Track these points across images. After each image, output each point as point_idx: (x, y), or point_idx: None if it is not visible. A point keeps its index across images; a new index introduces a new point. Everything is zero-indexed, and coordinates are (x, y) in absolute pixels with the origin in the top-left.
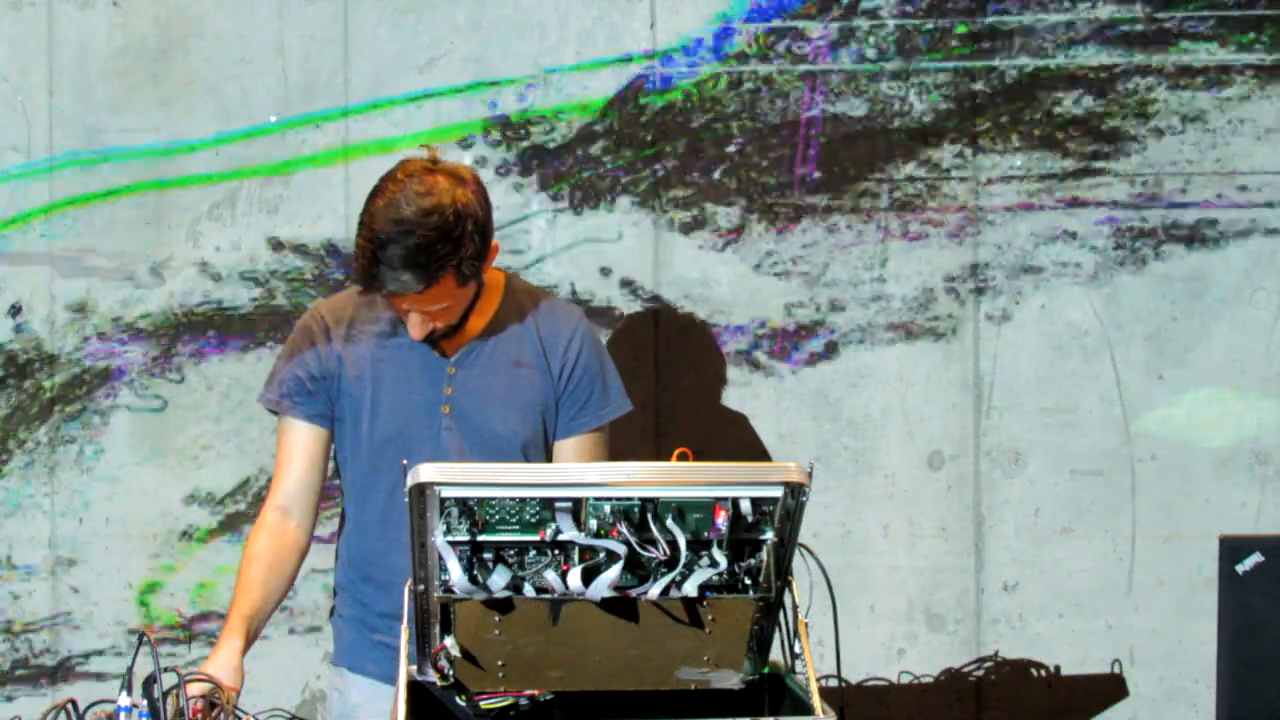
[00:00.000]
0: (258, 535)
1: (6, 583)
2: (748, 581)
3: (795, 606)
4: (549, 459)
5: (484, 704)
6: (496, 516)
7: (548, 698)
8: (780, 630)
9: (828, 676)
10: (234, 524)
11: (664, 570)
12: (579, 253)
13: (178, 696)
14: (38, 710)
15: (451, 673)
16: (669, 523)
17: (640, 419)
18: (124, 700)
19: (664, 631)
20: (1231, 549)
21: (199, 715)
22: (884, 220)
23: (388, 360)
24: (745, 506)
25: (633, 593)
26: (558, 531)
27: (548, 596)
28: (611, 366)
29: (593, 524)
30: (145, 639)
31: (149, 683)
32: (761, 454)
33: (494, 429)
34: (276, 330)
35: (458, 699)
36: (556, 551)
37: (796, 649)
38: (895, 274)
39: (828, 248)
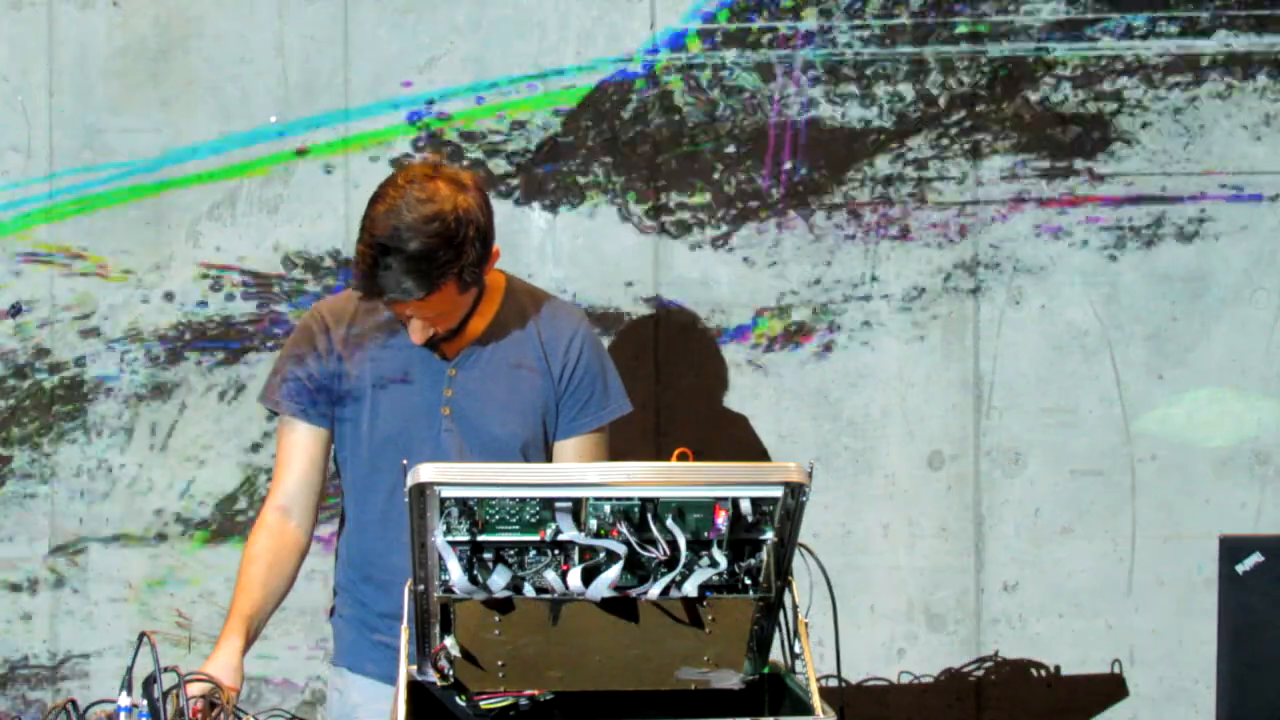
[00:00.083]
0: (258, 535)
1: (6, 582)
2: (748, 581)
3: (795, 606)
4: (549, 460)
5: (484, 704)
6: (496, 516)
7: (548, 698)
8: (780, 630)
9: (828, 676)
10: (234, 524)
11: (664, 570)
12: (579, 253)
13: (178, 696)
14: (38, 710)
15: (451, 673)
16: (669, 523)
17: (640, 419)
18: (124, 700)
19: (664, 631)
20: (1231, 549)
21: (199, 715)
22: (884, 220)
23: (388, 361)
24: (745, 506)
25: (633, 593)
26: (558, 531)
27: (548, 596)
28: (612, 367)
29: (593, 524)
30: (145, 639)
31: (149, 683)
32: (761, 454)
33: (494, 430)
34: (277, 330)
35: (458, 699)
36: (556, 551)
37: (796, 649)
38: (895, 273)
39: (828, 247)
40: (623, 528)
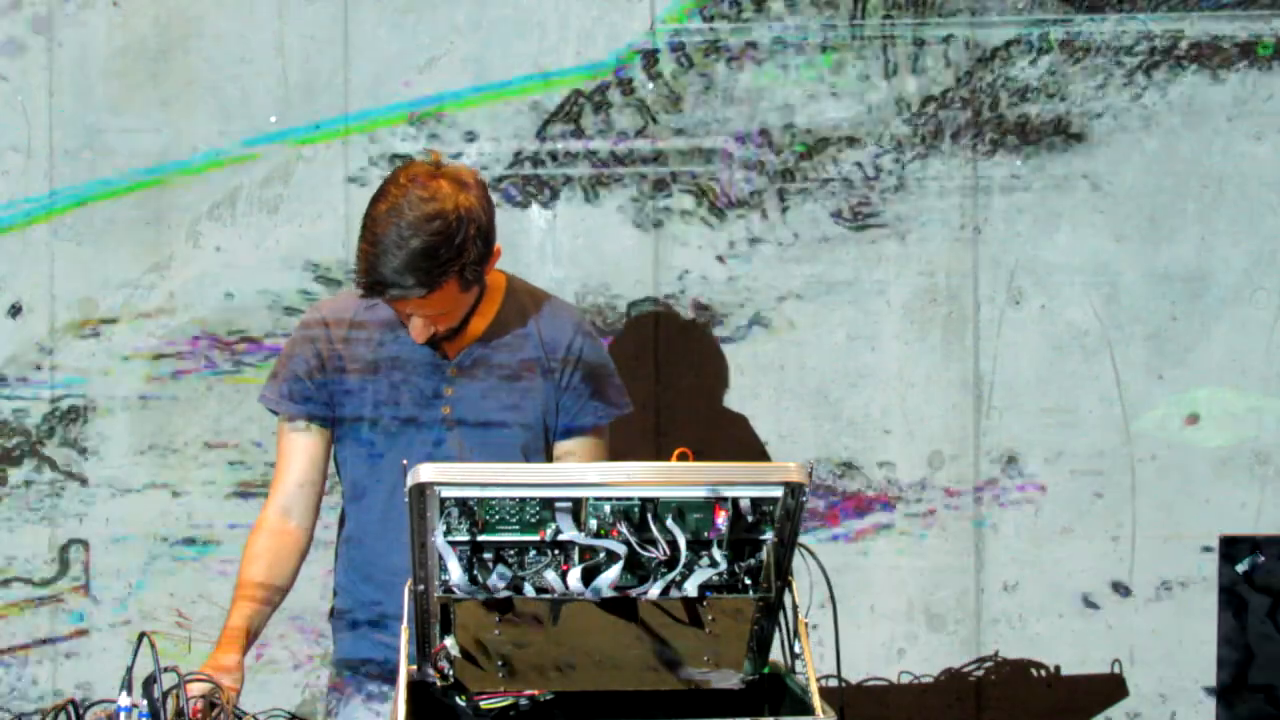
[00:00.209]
0: (258, 535)
1: (6, 582)
2: (748, 581)
3: (795, 606)
4: (549, 460)
5: (484, 704)
6: (496, 516)
7: (548, 698)
8: (780, 630)
9: (828, 676)
10: (234, 524)
11: (664, 570)
12: (579, 253)
13: (178, 696)
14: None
15: (451, 673)
16: (669, 523)
17: (640, 419)
18: (124, 700)
19: (664, 631)
20: (1231, 549)
21: (199, 715)
22: (884, 219)
23: (388, 360)
24: (745, 506)
25: (633, 593)
26: (558, 531)
27: (548, 596)
28: (612, 367)
29: (593, 524)
30: (145, 639)
31: (149, 683)
32: (761, 454)
33: (494, 430)
34: (277, 329)
35: (458, 699)
36: (556, 551)
37: (796, 649)
38: (895, 273)
39: (828, 247)
40: (623, 528)
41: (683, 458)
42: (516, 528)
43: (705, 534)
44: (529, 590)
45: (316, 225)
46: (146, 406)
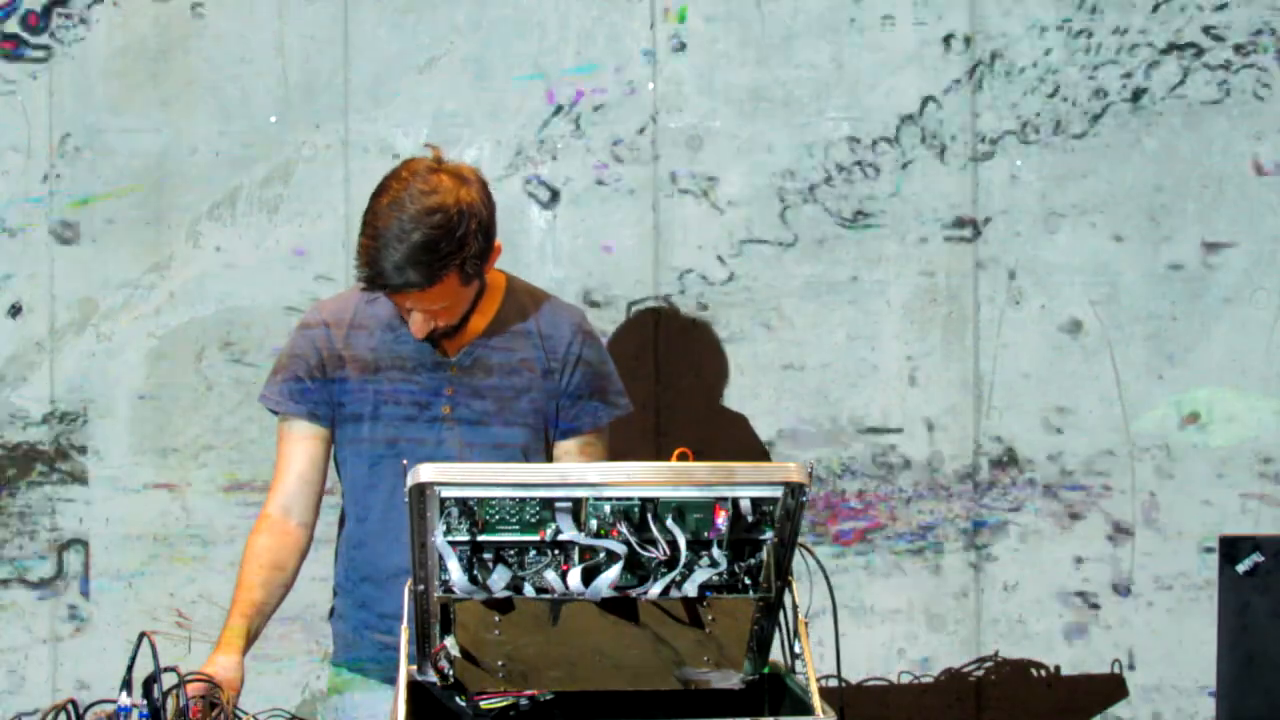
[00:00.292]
0: (258, 534)
1: (6, 581)
2: (748, 581)
3: (795, 606)
4: (549, 459)
5: (484, 704)
6: (496, 516)
7: (548, 698)
8: (780, 630)
9: (828, 676)
10: (234, 524)
11: (664, 570)
12: (579, 253)
13: (178, 696)
14: (37, 710)
15: (451, 673)
16: (669, 523)
17: (640, 419)
18: (124, 700)
19: (664, 631)
20: (1231, 549)
21: (199, 715)
22: (884, 219)
23: (389, 360)
24: (745, 506)
25: (633, 593)
26: (558, 531)
27: (548, 596)
28: (612, 367)
29: (593, 524)
30: (145, 639)
31: (149, 683)
32: (761, 454)
33: (494, 429)
34: (277, 329)
35: (458, 699)
36: (556, 551)
37: (796, 649)
38: (895, 273)
39: (828, 247)
40: (623, 528)
41: (683, 458)
42: (516, 528)
43: (705, 534)
44: (529, 590)
45: (316, 225)
46: (146, 406)
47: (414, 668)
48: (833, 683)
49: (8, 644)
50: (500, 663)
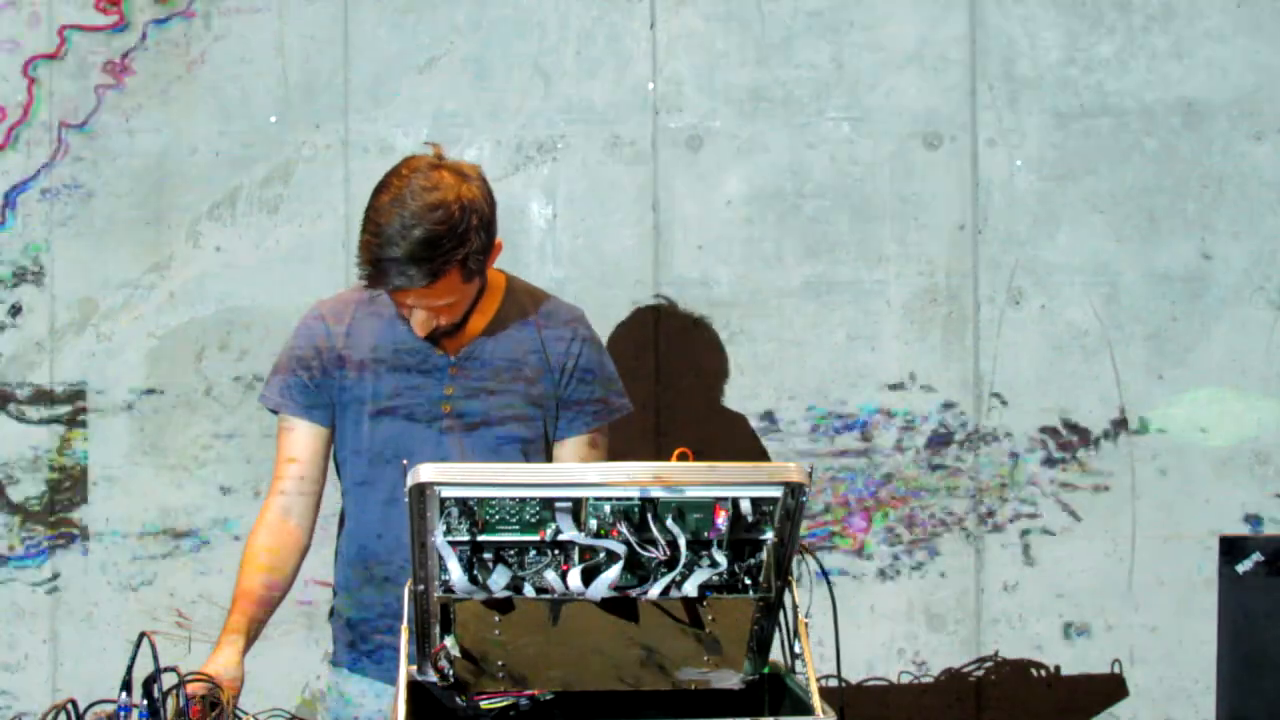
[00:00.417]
0: (258, 534)
1: (6, 581)
2: (748, 581)
3: (795, 606)
4: (549, 459)
5: (484, 704)
6: (496, 516)
7: (548, 698)
8: (780, 630)
9: (828, 676)
10: (234, 524)
11: (664, 570)
12: (579, 253)
13: (178, 696)
14: (37, 710)
15: (451, 673)
16: (669, 523)
17: (640, 419)
18: (124, 700)
19: (664, 631)
20: (1231, 549)
21: (199, 715)
22: (884, 219)
23: (388, 359)
24: (745, 506)
25: (633, 593)
26: (558, 531)
27: (548, 596)
28: (612, 367)
29: (593, 524)
30: (145, 639)
31: (149, 683)
32: (761, 454)
33: (494, 429)
34: (277, 329)
35: (458, 699)
36: (556, 551)
37: (796, 649)
38: (896, 273)
39: (828, 247)
40: (623, 528)
41: (683, 458)
42: (516, 528)
43: (705, 534)
44: (529, 590)
45: (316, 225)
46: (146, 406)
47: (414, 668)
48: (833, 683)
49: (8, 644)
50: (500, 663)
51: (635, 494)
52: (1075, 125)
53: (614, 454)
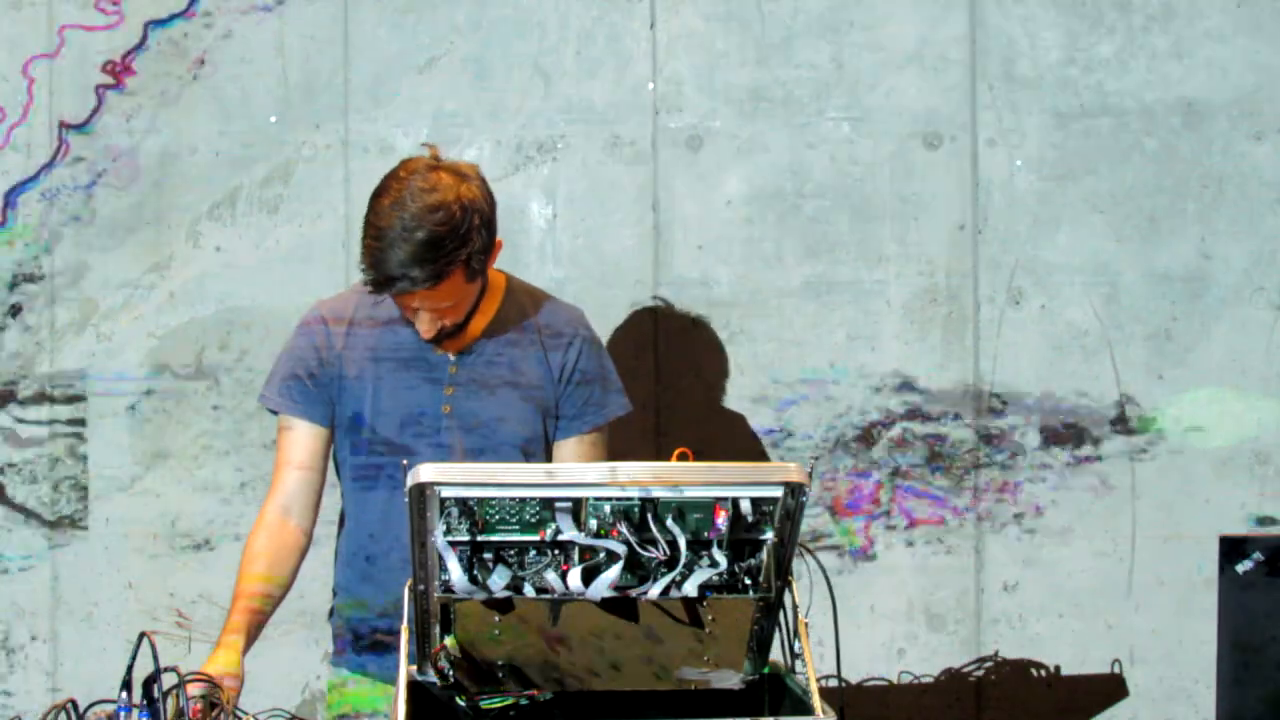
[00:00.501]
0: (258, 534)
1: (6, 582)
2: (748, 581)
3: (795, 606)
4: (549, 459)
5: (484, 704)
6: (496, 516)
7: (548, 698)
8: (780, 630)
9: (828, 676)
10: (234, 524)
11: (664, 570)
12: (579, 253)
13: (178, 696)
14: (37, 709)
15: (451, 673)
16: (669, 523)
17: (640, 419)
18: (124, 700)
19: (664, 631)
20: (1231, 549)
21: (199, 715)
22: (884, 219)
23: (388, 360)
24: (745, 506)
25: (633, 593)
26: (558, 531)
27: (548, 596)
28: (611, 367)
29: (593, 524)
30: (145, 639)
31: (149, 683)
32: (761, 454)
33: (494, 429)
34: (277, 329)
35: (458, 699)
36: (556, 551)
37: (796, 649)
38: (896, 273)
39: (828, 247)
40: (623, 528)
41: (683, 458)
42: (516, 528)
43: (705, 534)
44: (529, 590)
45: (316, 225)
46: (146, 406)
47: (414, 668)
48: (833, 683)
49: (8, 643)
50: (500, 663)
51: (635, 494)
52: (1075, 125)
53: (614, 454)
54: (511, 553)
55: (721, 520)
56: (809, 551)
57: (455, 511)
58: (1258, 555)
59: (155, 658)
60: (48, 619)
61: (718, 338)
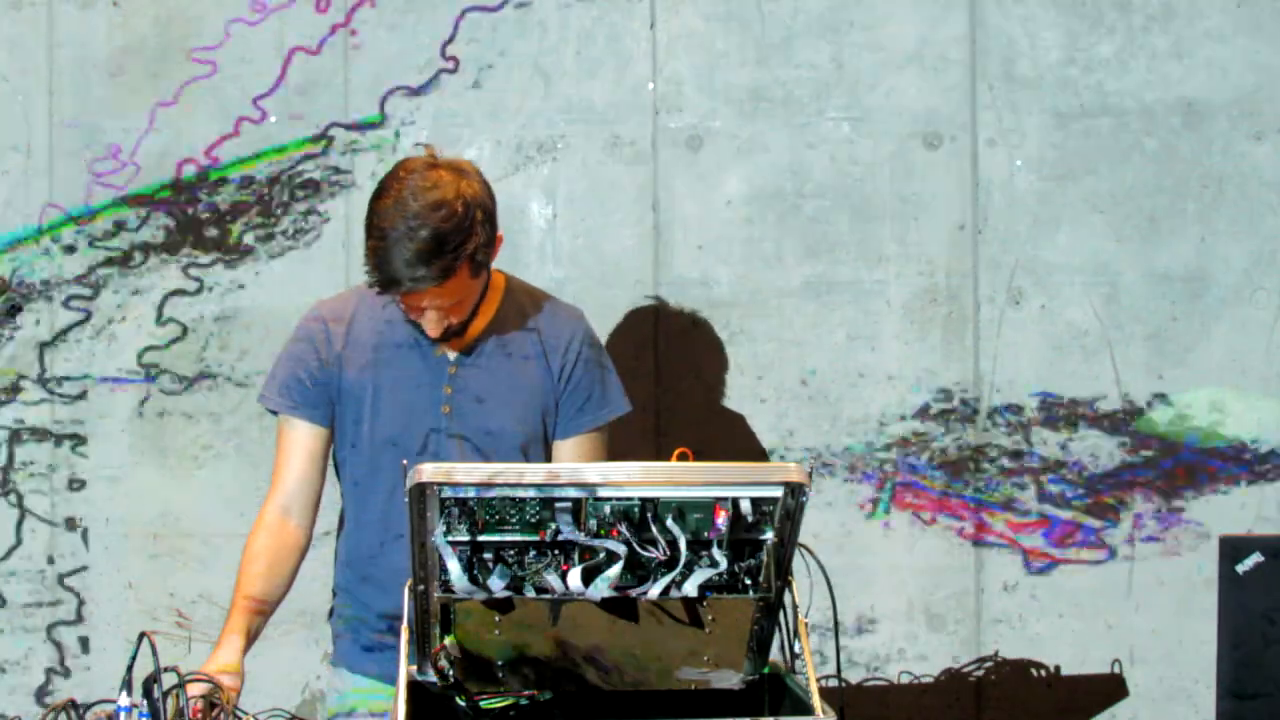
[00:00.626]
0: (258, 534)
1: (6, 582)
2: (748, 581)
3: (795, 606)
4: (549, 459)
5: (484, 704)
6: (496, 516)
7: (547, 698)
8: (780, 630)
9: (828, 676)
10: (234, 524)
11: (664, 570)
12: (579, 253)
13: (178, 696)
14: (37, 710)
15: (451, 673)
16: (669, 523)
17: (640, 419)
18: (124, 700)
19: (664, 631)
20: (1231, 549)
21: (199, 715)
22: (884, 219)
23: (388, 360)
24: (745, 506)
25: (633, 593)
26: (558, 531)
27: (548, 596)
28: (611, 367)
29: (593, 524)
30: (145, 639)
31: (149, 683)
32: (761, 454)
33: (494, 429)
34: (277, 329)
35: (458, 699)
36: (556, 551)
37: (796, 649)
38: (896, 273)
39: (828, 247)
40: (623, 528)
41: (683, 458)
42: (516, 528)
43: (705, 534)
44: (529, 590)
45: (317, 225)
46: (146, 406)
47: (414, 668)
48: (833, 683)
49: (8, 644)
50: (500, 663)
51: (635, 494)
52: (1075, 125)
53: (614, 454)
54: (511, 553)
55: (721, 520)
56: (809, 552)
57: (455, 511)
58: (1258, 555)
59: (155, 658)
60: (47, 619)
61: (718, 338)
